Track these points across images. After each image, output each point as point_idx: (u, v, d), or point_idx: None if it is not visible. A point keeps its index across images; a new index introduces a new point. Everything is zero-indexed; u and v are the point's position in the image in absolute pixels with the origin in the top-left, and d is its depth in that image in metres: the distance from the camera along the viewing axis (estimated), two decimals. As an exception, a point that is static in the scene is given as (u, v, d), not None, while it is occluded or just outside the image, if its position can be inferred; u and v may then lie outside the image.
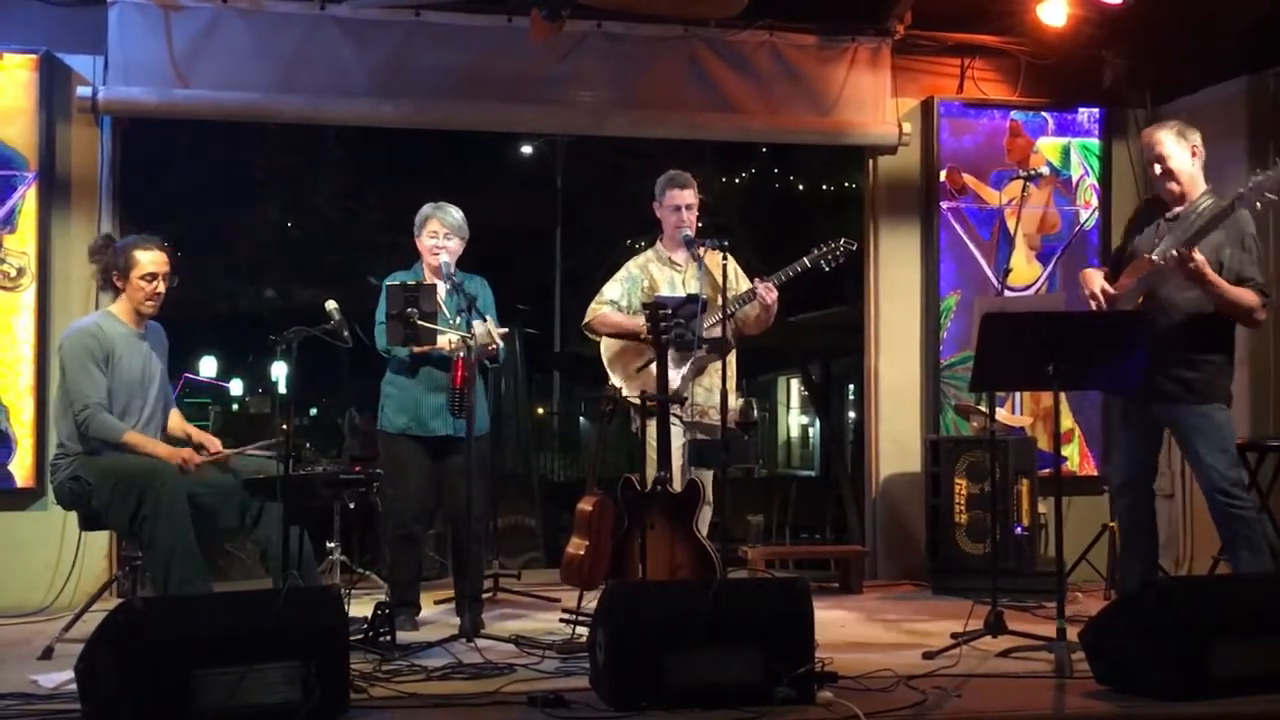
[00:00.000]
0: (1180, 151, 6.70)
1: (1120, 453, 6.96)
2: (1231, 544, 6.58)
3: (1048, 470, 8.71)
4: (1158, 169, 6.73)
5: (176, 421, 7.22)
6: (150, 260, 6.87)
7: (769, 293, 7.52)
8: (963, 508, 8.88)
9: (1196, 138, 6.75)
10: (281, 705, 4.81)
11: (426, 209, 7.44)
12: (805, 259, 7.62)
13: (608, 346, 7.79)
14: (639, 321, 7.38)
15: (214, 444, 7.00)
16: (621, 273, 7.90)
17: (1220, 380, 6.64)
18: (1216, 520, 6.63)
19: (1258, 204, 6.43)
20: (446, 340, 7.02)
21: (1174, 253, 6.38)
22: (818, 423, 27.70)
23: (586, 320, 7.88)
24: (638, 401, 7.23)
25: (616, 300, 7.78)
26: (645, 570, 6.59)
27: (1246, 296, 6.50)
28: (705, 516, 7.25)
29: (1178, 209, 6.73)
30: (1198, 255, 6.35)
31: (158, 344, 7.09)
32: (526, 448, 13.24)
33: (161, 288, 6.91)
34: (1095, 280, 6.80)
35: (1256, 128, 9.04)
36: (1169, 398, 6.61)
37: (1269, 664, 5.41)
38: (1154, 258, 6.56)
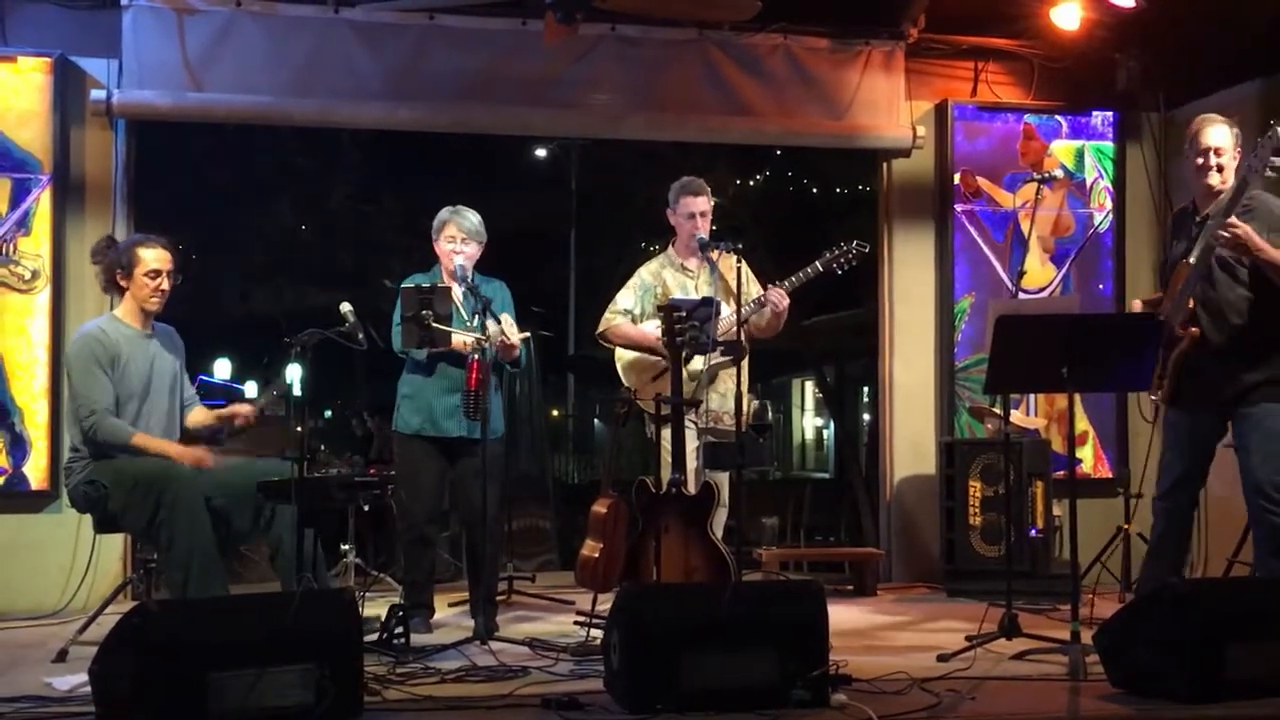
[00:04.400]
0: (1233, 149, 6.64)
1: (1166, 458, 6.89)
2: (1262, 549, 6.55)
3: (1062, 472, 8.69)
4: (1213, 160, 6.61)
5: (204, 415, 7.18)
6: (154, 257, 6.87)
7: (781, 299, 7.52)
8: (977, 510, 8.87)
9: (1240, 136, 6.70)
10: (296, 708, 4.81)
11: (444, 213, 7.45)
12: (817, 263, 7.61)
13: (622, 354, 7.79)
14: (652, 335, 7.39)
15: (242, 408, 6.96)
16: (634, 280, 7.89)
17: None
18: (1252, 521, 6.61)
19: (1267, 171, 6.36)
20: (462, 342, 7.02)
21: (1215, 235, 6.32)
22: (832, 425, 27.68)
23: (601, 330, 7.87)
24: (652, 405, 7.22)
25: (630, 309, 7.77)
26: (660, 573, 6.60)
27: None
28: (720, 519, 7.25)
29: (1207, 210, 6.65)
30: (1241, 224, 6.29)
31: (170, 346, 7.07)
32: (541, 450, 13.22)
33: (166, 284, 6.90)
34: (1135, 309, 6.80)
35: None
36: (1231, 401, 6.56)
37: (1285, 666, 5.40)
38: (1190, 260, 6.54)
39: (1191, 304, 6.54)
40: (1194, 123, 6.84)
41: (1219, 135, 6.65)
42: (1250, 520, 6.64)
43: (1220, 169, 6.62)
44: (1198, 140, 6.70)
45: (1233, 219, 6.30)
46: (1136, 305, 6.96)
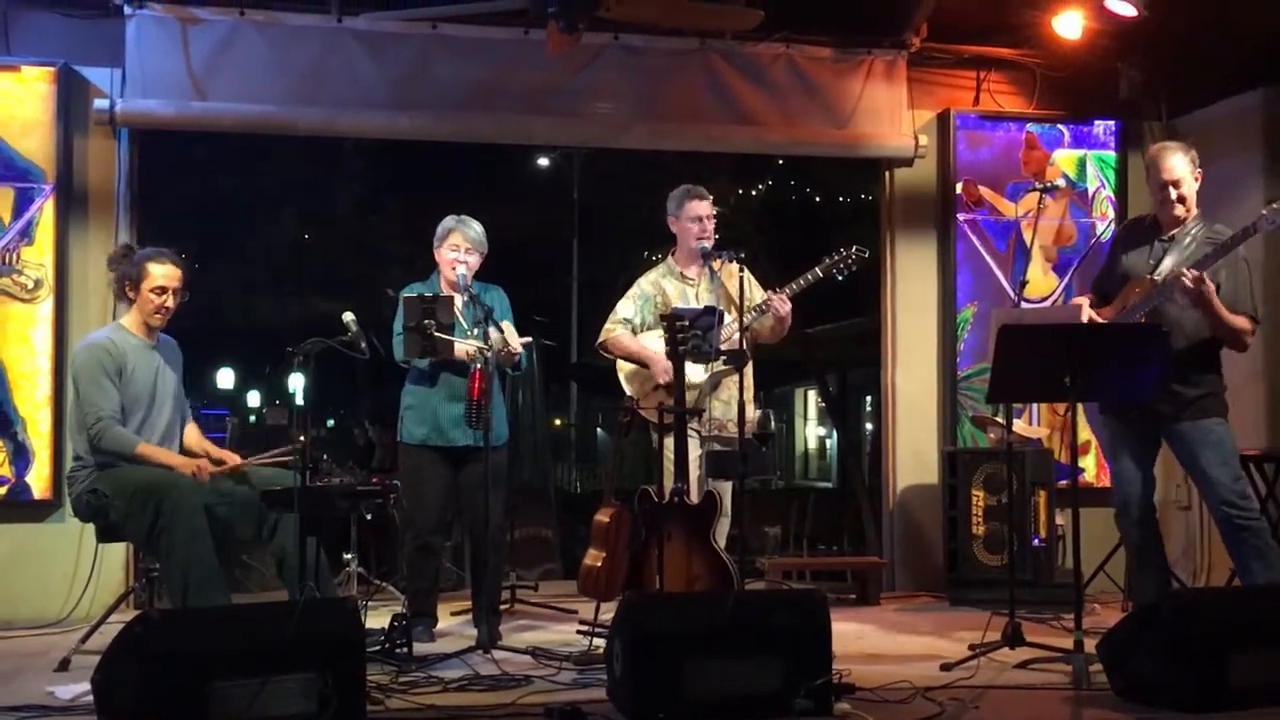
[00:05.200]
0: (1191, 177, 6.71)
1: (1119, 474, 6.91)
2: (1240, 555, 6.56)
3: (1065, 482, 8.68)
4: (1172, 193, 6.69)
5: (195, 436, 7.22)
6: (162, 274, 6.89)
7: (783, 304, 7.53)
8: (980, 519, 8.87)
9: (1196, 158, 6.77)
10: (298, 717, 4.82)
11: (449, 222, 7.46)
12: (817, 268, 7.61)
13: (624, 363, 7.78)
14: (652, 351, 7.40)
15: (232, 459, 7.00)
16: (634, 290, 7.88)
17: (1218, 396, 6.67)
18: (1223, 533, 6.62)
19: (1276, 229, 6.42)
20: (464, 351, 7.03)
21: (1185, 277, 6.37)
22: (835, 434, 27.68)
23: (601, 340, 7.86)
24: (655, 414, 7.22)
25: (630, 319, 7.76)
26: (662, 582, 6.59)
27: (1241, 322, 6.54)
28: (723, 528, 7.25)
29: (1173, 231, 6.74)
30: (1208, 282, 6.37)
31: (171, 357, 7.10)
32: (544, 459, 13.20)
33: (171, 302, 6.92)
34: (1083, 313, 6.80)
35: (1272, 140, 9.03)
36: (1168, 415, 6.63)
37: (1289, 675, 5.40)
38: (1156, 278, 6.58)
39: (1143, 319, 6.60)
40: (1150, 151, 6.96)
41: (1177, 167, 6.71)
42: (1222, 531, 6.65)
43: (1182, 199, 6.71)
44: (1156, 173, 6.79)
45: (1204, 276, 6.37)
46: (1083, 305, 6.92)
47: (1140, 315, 6.61)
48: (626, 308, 7.81)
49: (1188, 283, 6.35)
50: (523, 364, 7.49)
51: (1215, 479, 6.54)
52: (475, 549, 7.46)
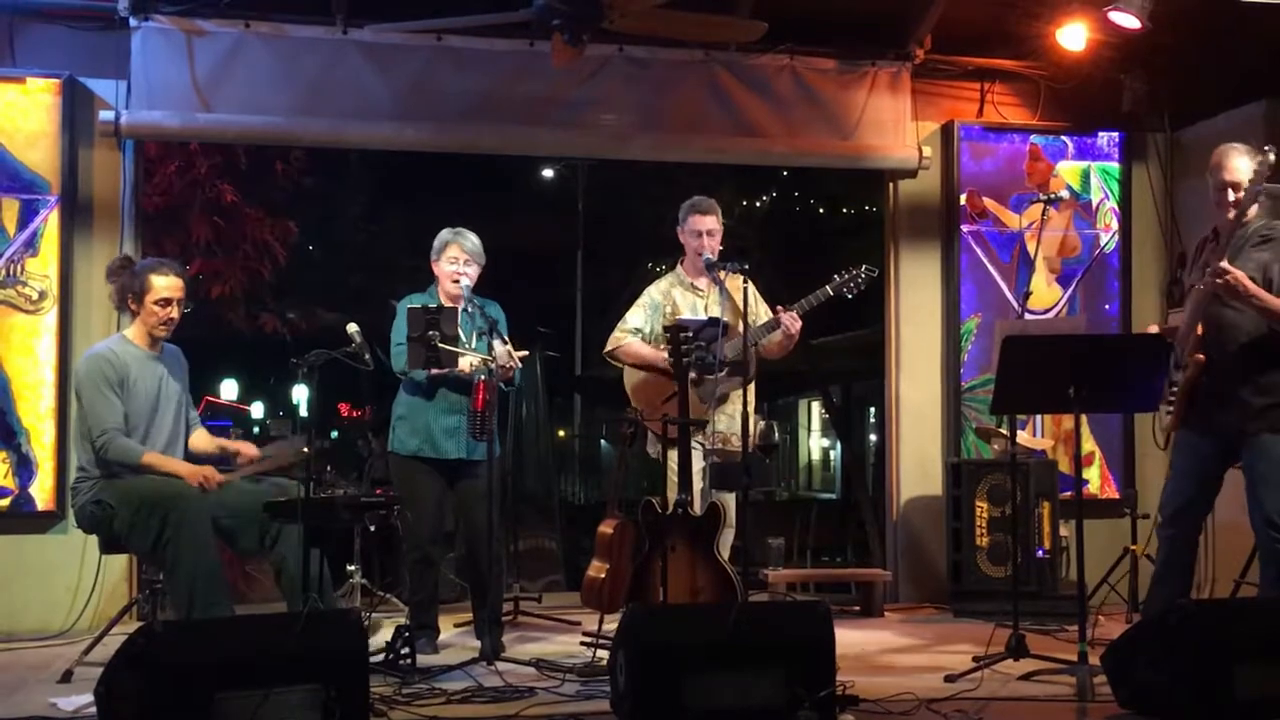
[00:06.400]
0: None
1: (1172, 482, 6.79)
2: (1269, 576, 6.48)
3: (1069, 493, 8.68)
4: (1230, 196, 6.46)
5: (205, 440, 7.20)
6: (165, 285, 6.89)
7: (794, 322, 7.51)
8: (984, 531, 8.86)
9: (1266, 162, 6.43)
10: (302, 728, 4.81)
11: (446, 235, 7.45)
12: (828, 287, 7.60)
13: (631, 375, 7.78)
14: (663, 355, 7.39)
15: (249, 449, 7.01)
16: (643, 299, 7.89)
17: None
18: (1261, 552, 6.56)
19: (1259, 198, 6.33)
20: (467, 362, 7.02)
21: (1209, 273, 6.29)
22: (838, 445, 27.63)
23: (610, 349, 7.86)
24: (659, 425, 7.22)
25: (640, 328, 7.77)
26: (666, 593, 6.59)
27: None
28: (726, 539, 7.24)
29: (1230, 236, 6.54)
30: (1233, 270, 6.23)
31: (175, 367, 7.09)
32: (547, 470, 13.22)
33: (175, 313, 6.92)
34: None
35: (1275, 151, 9.01)
36: (1236, 426, 6.46)
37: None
38: (1201, 285, 6.48)
39: (1200, 329, 6.48)
40: (1215, 153, 6.65)
41: (1240, 168, 6.46)
42: (1259, 549, 6.58)
43: (1238, 204, 6.44)
44: (1219, 173, 6.54)
45: (1225, 264, 6.26)
46: (1154, 331, 6.83)
47: (1195, 326, 6.46)
48: (636, 317, 7.81)
49: (1207, 276, 6.27)
50: (516, 380, 7.48)
51: (1263, 498, 6.40)
52: (474, 561, 7.44)
